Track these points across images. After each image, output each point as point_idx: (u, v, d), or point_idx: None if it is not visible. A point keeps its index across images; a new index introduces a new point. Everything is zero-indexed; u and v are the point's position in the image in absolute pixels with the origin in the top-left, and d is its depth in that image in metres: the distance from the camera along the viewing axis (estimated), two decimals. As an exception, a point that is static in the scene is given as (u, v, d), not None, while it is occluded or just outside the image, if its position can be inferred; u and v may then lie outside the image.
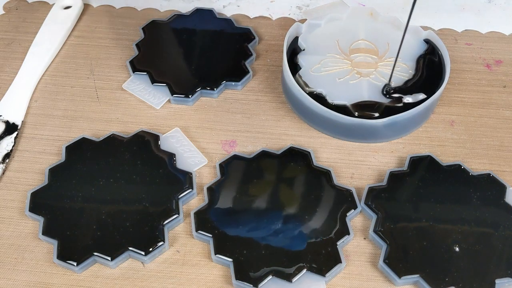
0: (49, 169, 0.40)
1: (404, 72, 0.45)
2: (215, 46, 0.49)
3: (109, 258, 0.35)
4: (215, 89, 0.46)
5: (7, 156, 0.41)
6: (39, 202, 0.38)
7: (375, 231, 0.37)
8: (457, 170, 0.40)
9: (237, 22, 0.51)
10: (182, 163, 0.41)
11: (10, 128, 0.43)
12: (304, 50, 0.46)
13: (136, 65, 0.47)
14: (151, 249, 0.36)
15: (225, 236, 0.36)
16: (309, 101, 0.42)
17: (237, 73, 0.47)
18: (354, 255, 0.37)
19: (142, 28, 0.50)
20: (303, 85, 0.43)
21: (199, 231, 0.37)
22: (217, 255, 0.36)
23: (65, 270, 0.36)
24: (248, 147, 0.43)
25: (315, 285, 0.35)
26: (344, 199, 0.39)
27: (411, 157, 0.41)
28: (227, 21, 0.51)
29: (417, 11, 0.54)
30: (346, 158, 0.42)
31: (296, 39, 0.47)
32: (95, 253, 0.36)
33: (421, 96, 0.43)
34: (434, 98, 0.42)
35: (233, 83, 0.46)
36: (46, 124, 0.44)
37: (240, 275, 0.35)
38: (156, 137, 0.42)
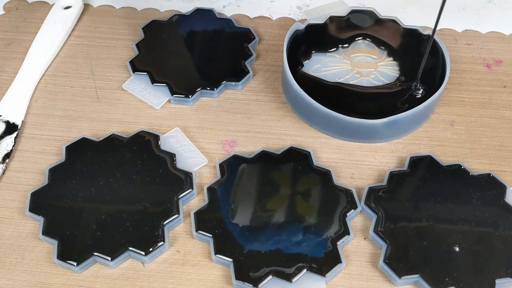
0: (49, 169, 0.40)
1: (404, 72, 0.46)
2: (215, 46, 0.49)
3: (109, 258, 0.35)
4: (215, 89, 0.46)
5: (7, 156, 0.41)
6: (39, 202, 0.38)
7: (375, 231, 0.37)
8: (457, 170, 0.40)
9: (237, 22, 0.51)
10: (182, 163, 0.41)
11: (10, 128, 0.43)
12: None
13: (136, 65, 0.47)
14: (151, 249, 0.36)
15: (225, 236, 0.36)
16: (309, 101, 0.42)
17: (237, 73, 0.47)
18: (354, 255, 0.37)
19: (142, 28, 0.50)
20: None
21: (199, 231, 0.37)
22: (217, 255, 0.36)
23: (65, 270, 0.36)
24: (248, 147, 0.43)
25: (315, 285, 0.35)
26: (344, 199, 0.39)
27: (411, 157, 0.41)
28: (227, 21, 0.51)
29: (417, 11, 0.54)
30: (346, 158, 0.42)
31: (296, 38, 0.47)
32: (95, 253, 0.36)
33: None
34: (434, 98, 0.42)
35: (233, 83, 0.46)
36: (46, 124, 0.44)
37: (240, 275, 0.35)
38: (156, 137, 0.42)
